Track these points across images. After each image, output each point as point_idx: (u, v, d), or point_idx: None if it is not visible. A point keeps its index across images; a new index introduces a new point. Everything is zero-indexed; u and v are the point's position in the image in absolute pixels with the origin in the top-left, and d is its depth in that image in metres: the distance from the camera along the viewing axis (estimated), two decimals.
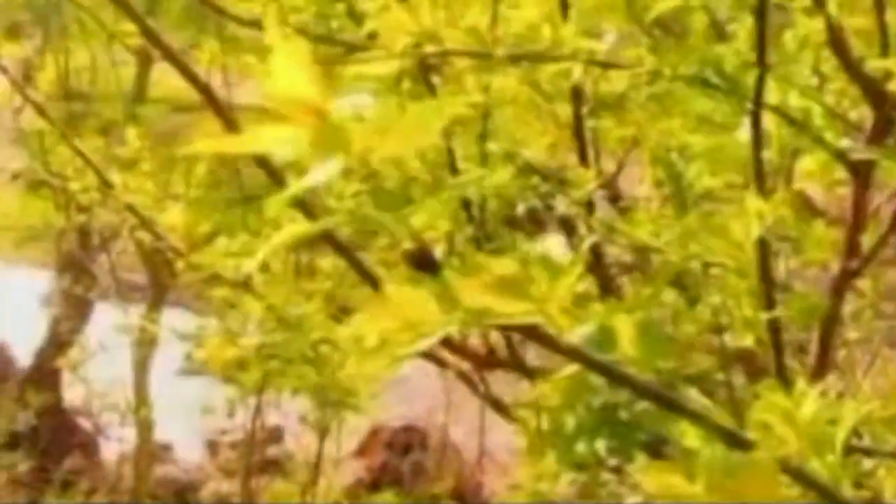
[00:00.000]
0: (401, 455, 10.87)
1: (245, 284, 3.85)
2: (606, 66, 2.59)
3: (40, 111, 4.31)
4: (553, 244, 1.30)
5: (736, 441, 1.46)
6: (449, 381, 9.57)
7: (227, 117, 2.15)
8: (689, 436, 1.49)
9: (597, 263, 3.03)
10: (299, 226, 1.18)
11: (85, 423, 11.62)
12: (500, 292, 1.20)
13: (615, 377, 1.32)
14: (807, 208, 3.38)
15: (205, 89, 2.23)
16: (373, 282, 2.00)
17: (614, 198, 3.42)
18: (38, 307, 11.86)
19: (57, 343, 11.42)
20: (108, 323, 10.62)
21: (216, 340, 4.01)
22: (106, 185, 4.20)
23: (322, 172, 1.17)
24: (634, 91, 3.42)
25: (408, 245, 1.20)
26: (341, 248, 2.21)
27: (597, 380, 2.33)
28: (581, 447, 2.68)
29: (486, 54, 2.39)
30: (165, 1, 9.85)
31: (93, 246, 10.99)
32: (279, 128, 1.11)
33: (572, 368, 1.43)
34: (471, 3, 2.94)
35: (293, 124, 1.15)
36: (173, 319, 9.64)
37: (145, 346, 9.51)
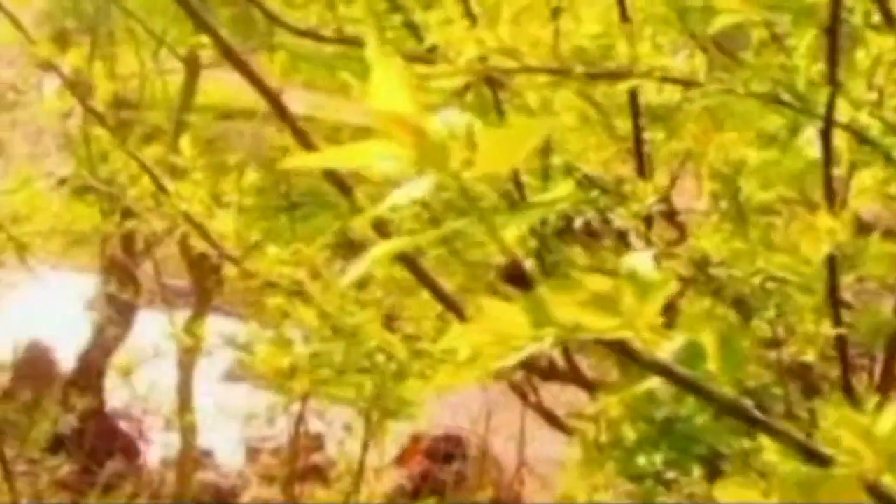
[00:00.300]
0: (441, 464, 10.89)
1: (300, 293, 3.88)
2: (681, 82, 2.59)
3: (99, 119, 4.34)
4: (640, 259, 1.31)
5: (813, 457, 1.47)
6: (489, 390, 9.59)
7: (297, 128, 2.18)
8: (769, 451, 1.50)
9: None
10: (395, 241, 1.20)
11: (127, 427, 11.70)
12: (592, 308, 1.21)
13: (702, 393, 1.33)
14: (857, 223, 3.38)
15: (275, 100, 2.26)
16: (444, 298, 2.01)
17: (670, 212, 3.43)
18: (82, 311, 11.95)
19: (101, 347, 11.50)
20: (153, 328, 10.70)
21: (268, 348, 4.03)
22: (162, 191, 4.23)
23: (417, 188, 1.19)
24: (686, 104, 3.43)
25: (500, 259, 1.21)
26: (407, 261, 2.23)
27: (662, 394, 2.34)
28: (641, 459, 2.69)
29: (566, 71, 2.40)
30: (214, 8, 9.92)
31: (137, 251, 11.07)
32: (382, 144, 1.13)
33: (650, 383, 1.44)
34: (531, 17, 2.96)
35: (391, 140, 1.18)
36: (215, 325, 9.69)
37: (191, 352, 9.57)
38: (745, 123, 3.33)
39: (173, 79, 10.98)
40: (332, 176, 2.25)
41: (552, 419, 3.90)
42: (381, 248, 1.19)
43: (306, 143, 2.16)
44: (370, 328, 3.59)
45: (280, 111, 2.27)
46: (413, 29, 3.83)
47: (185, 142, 5.00)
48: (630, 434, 2.69)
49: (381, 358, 3.59)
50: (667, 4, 3.64)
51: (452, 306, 2.28)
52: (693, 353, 1.30)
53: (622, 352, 1.29)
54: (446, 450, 10.97)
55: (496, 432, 10.69)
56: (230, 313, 11.16)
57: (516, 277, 1.21)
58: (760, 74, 2.22)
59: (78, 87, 4.61)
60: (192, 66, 10.31)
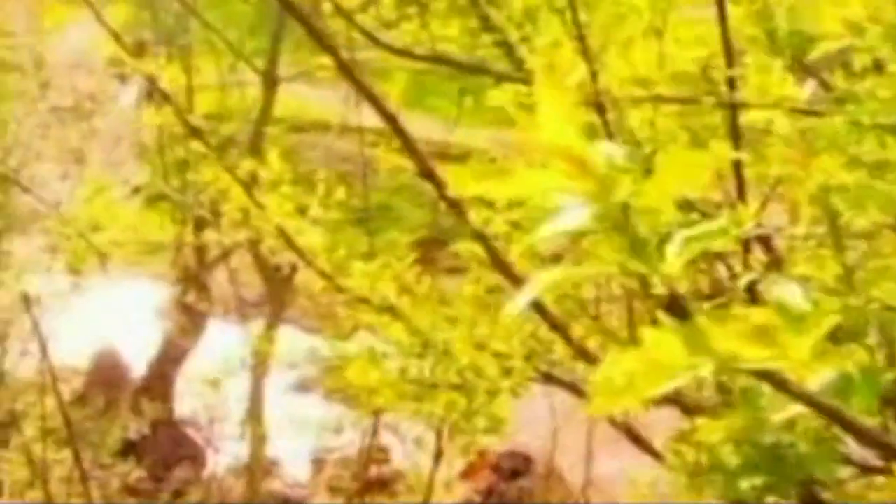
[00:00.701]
0: (507, 480, 10.89)
1: (390, 308, 3.91)
2: (808, 113, 2.60)
3: (196, 133, 4.40)
4: (790, 291, 1.33)
5: None
6: (556, 407, 9.57)
7: (415, 150, 2.21)
8: None
9: (752, 301, 3.04)
10: (558, 271, 1.22)
11: (195, 436, 11.80)
12: (749, 339, 1.23)
13: (846, 425, 1.35)
14: None
15: (393, 121, 2.29)
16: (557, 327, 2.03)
17: (765, 235, 3.43)
18: (154, 319, 12.06)
19: (171, 355, 11.61)
20: (222, 338, 10.78)
21: (360, 362, 4.07)
22: (256, 204, 4.28)
23: (578, 217, 1.21)
24: (776, 128, 3.43)
25: (661, 291, 1.24)
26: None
27: (773, 420, 2.33)
28: (744, 483, 2.70)
29: (693, 100, 2.42)
30: (290, 23, 9.99)
31: (209, 261, 11.17)
32: (552, 174, 1.15)
33: (796, 411, 1.46)
34: (628, 39, 2.98)
35: (554, 171, 1.20)
36: (283, 336, 9.76)
37: (263, 363, 9.64)
38: (836, 148, 3.33)
39: (248, 91, 11.08)
40: (450, 201, 2.28)
41: (639, 440, 3.91)
42: (547, 276, 1.22)
43: (424, 165, 2.19)
44: (460, 346, 3.62)
45: (398, 132, 2.30)
46: (507, 48, 3.86)
47: (273, 156, 5.05)
48: (732, 458, 2.70)
49: (471, 375, 3.61)
50: (757, 25, 3.65)
51: (563, 332, 2.30)
52: (844, 386, 1.32)
53: (772, 381, 1.31)
54: (513, 466, 10.97)
55: (562, 450, 10.67)
56: (298, 324, 11.23)
57: (676, 308, 1.23)
58: (890, 107, 2.23)
59: (165, 97, 4.66)
60: (270, 79, 10.39)
